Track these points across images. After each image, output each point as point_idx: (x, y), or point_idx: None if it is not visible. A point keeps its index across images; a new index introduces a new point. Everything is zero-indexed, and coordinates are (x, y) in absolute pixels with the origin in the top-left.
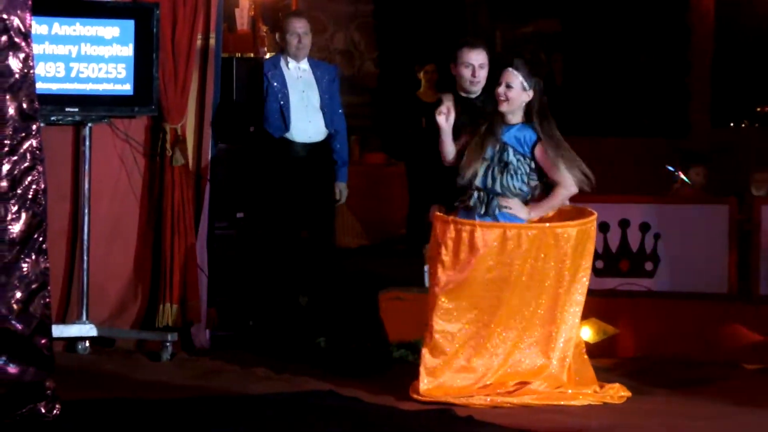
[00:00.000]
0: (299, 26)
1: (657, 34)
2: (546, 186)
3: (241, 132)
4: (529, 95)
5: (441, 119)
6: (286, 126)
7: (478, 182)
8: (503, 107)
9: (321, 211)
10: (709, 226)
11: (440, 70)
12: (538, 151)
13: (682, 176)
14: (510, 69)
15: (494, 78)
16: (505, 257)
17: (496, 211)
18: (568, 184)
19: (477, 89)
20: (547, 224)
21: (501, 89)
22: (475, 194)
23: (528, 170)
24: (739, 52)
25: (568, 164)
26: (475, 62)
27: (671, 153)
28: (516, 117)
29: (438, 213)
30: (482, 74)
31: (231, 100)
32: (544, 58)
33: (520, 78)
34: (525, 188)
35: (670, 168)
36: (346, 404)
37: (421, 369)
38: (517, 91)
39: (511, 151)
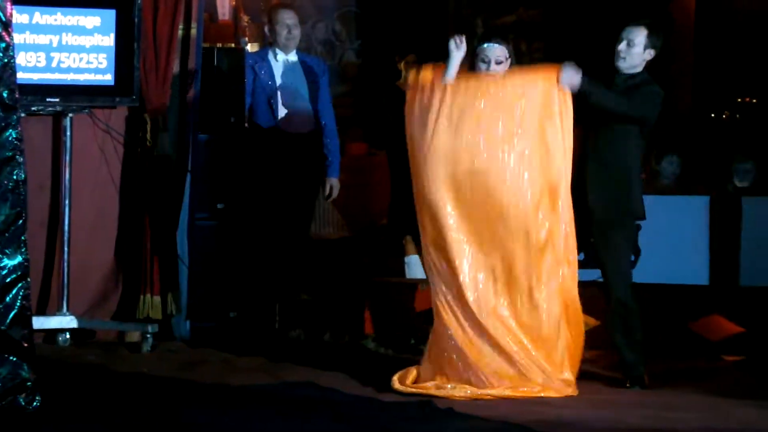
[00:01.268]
0: (288, 18)
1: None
2: None
3: (222, 123)
4: None
5: (452, 44)
6: (275, 117)
7: None
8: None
9: (301, 204)
10: (690, 218)
11: (421, 60)
12: None
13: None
14: None
15: None
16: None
17: None
18: None
19: None
20: None
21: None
22: None
23: None
24: (721, 42)
25: None
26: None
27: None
28: None
29: None
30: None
31: (212, 91)
32: (525, 48)
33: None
34: None
35: None
36: (326, 395)
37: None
38: None
39: None
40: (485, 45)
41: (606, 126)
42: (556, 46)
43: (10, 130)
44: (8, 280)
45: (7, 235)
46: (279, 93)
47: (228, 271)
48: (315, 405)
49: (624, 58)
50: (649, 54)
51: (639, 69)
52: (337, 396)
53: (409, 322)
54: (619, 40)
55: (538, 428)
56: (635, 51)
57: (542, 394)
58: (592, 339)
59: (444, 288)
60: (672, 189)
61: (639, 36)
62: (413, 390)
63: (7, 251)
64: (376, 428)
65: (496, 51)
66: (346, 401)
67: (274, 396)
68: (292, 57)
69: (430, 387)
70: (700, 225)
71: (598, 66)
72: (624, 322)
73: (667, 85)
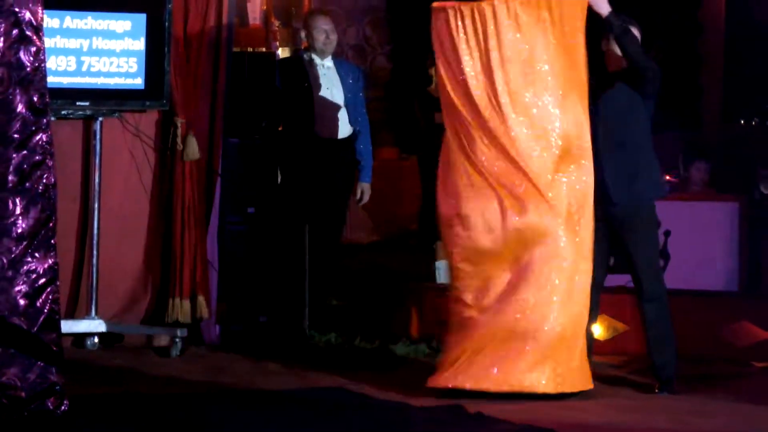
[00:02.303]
0: (325, 23)
1: (668, 29)
2: None
3: (253, 127)
4: None
5: None
6: (309, 122)
7: None
8: None
9: (334, 208)
10: (719, 224)
11: None
12: None
13: None
14: None
15: None
16: None
17: None
18: None
19: None
20: None
21: None
22: None
23: None
24: (752, 48)
25: None
26: None
27: (682, 149)
28: None
29: None
30: None
31: (243, 95)
32: None
33: None
34: None
35: None
36: (356, 400)
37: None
38: None
39: None
40: None
41: (613, 104)
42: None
43: (41, 134)
44: (38, 284)
45: (37, 238)
46: (315, 98)
47: (258, 275)
48: (345, 409)
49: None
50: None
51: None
52: (368, 400)
53: (439, 327)
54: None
55: None
56: None
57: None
58: (620, 344)
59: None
60: (701, 195)
61: None
62: (450, 386)
63: (36, 255)
64: None
65: None
66: (376, 406)
67: (304, 400)
68: (328, 62)
69: (465, 384)
70: (729, 231)
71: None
72: (656, 318)
73: (696, 91)
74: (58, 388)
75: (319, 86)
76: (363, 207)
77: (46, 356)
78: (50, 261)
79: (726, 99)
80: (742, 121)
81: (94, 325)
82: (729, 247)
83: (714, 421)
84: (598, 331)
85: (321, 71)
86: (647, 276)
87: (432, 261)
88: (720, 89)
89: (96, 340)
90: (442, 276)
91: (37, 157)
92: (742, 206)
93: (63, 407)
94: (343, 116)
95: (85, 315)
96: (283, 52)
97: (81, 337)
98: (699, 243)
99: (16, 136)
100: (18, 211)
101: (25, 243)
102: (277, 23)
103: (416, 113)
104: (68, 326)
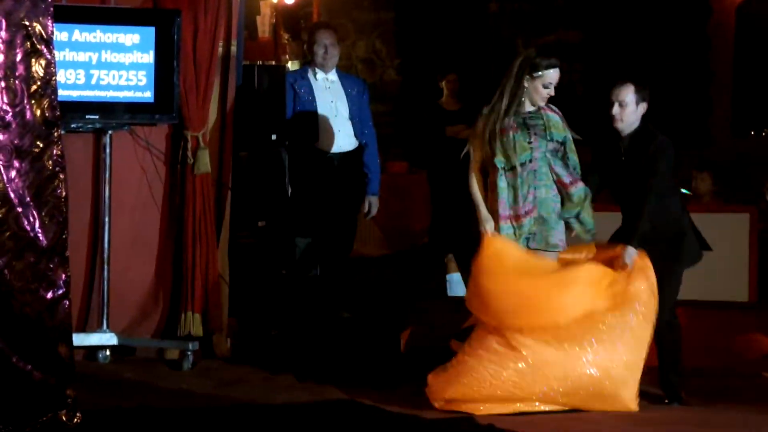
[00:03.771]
0: (326, 37)
1: (677, 44)
2: None
3: (263, 140)
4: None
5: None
6: (315, 136)
7: None
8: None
9: (344, 222)
10: (730, 235)
11: (462, 79)
12: None
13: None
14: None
15: None
16: None
17: None
18: None
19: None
20: None
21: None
22: None
23: None
24: (761, 61)
25: None
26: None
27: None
28: None
29: None
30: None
31: (253, 108)
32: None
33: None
34: None
35: None
36: (368, 414)
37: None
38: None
39: None
40: (551, 71)
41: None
42: (595, 66)
43: (54, 147)
44: (56, 296)
45: (53, 251)
46: (319, 111)
47: (269, 288)
48: (357, 423)
49: (621, 120)
50: (643, 108)
51: (637, 124)
52: (379, 414)
53: (447, 342)
54: (610, 104)
55: None
56: (629, 110)
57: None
58: None
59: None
60: (712, 206)
61: (628, 95)
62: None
63: (52, 267)
64: None
65: (558, 74)
66: (388, 419)
67: (315, 414)
68: (332, 76)
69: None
70: (740, 242)
71: (635, 81)
72: (668, 342)
73: (705, 103)
74: (70, 400)
75: (322, 99)
76: (373, 221)
77: (60, 369)
78: (64, 274)
79: (735, 112)
80: (752, 132)
81: (106, 338)
82: (740, 258)
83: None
84: None
85: (325, 84)
86: (664, 308)
87: (443, 274)
88: (729, 103)
89: (108, 353)
90: (453, 289)
91: (51, 171)
92: (752, 217)
93: (76, 420)
94: (347, 129)
95: (97, 328)
96: (292, 65)
97: (93, 350)
98: (710, 254)
99: (29, 149)
100: (37, 224)
101: (45, 256)
102: (286, 36)
103: (425, 127)
104: (80, 339)
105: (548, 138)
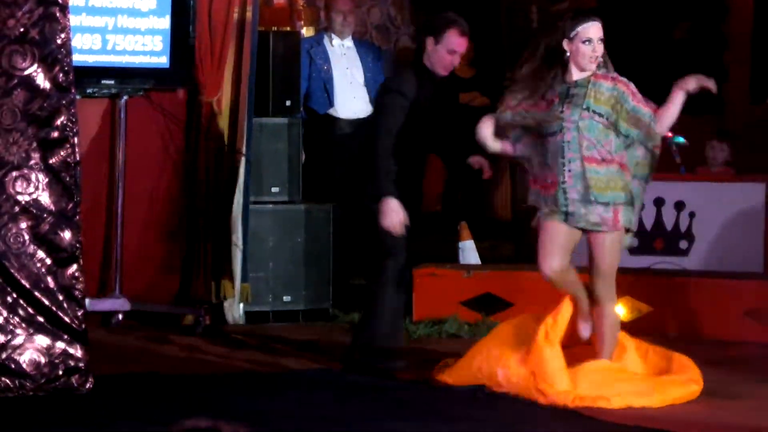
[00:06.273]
0: (345, 4)
1: (693, 10)
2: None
3: (278, 106)
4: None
5: None
6: (331, 102)
7: None
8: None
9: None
10: (744, 205)
11: (476, 47)
12: None
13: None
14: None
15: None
16: None
17: None
18: None
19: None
20: None
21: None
22: None
23: None
24: None
25: None
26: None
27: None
28: None
29: None
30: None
31: (267, 74)
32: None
33: None
34: None
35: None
36: (380, 380)
37: None
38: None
39: None
40: (587, 23)
41: None
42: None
43: (65, 112)
44: (62, 261)
45: (60, 215)
46: (334, 78)
47: (282, 255)
48: (370, 389)
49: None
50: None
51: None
52: (390, 380)
53: (454, 311)
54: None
55: (586, 412)
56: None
57: None
58: (644, 325)
59: None
60: (725, 176)
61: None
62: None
63: (59, 231)
64: (431, 412)
65: (598, 28)
66: (400, 386)
67: (329, 380)
68: (348, 42)
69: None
70: (755, 212)
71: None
72: None
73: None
74: (82, 365)
75: (338, 66)
76: None
77: (71, 334)
78: (74, 238)
79: (753, 80)
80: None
81: (119, 303)
82: (754, 228)
83: (741, 403)
84: (622, 311)
85: (341, 51)
86: None
87: (455, 242)
88: (747, 70)
89: (120, 318)
90: (465, 256)
91: (61, 135)
92: (767, 187)
93: (88, 385)
94: (363, 96)
95: (110, 293)
96: (307, 32)
97: (106, 316)
98: (724, 224)
99: (39, 113)
100: (41, 187)
101: (47, 219)
102: (301, 2)
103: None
104: (93, 305)
105: (584, 107)
